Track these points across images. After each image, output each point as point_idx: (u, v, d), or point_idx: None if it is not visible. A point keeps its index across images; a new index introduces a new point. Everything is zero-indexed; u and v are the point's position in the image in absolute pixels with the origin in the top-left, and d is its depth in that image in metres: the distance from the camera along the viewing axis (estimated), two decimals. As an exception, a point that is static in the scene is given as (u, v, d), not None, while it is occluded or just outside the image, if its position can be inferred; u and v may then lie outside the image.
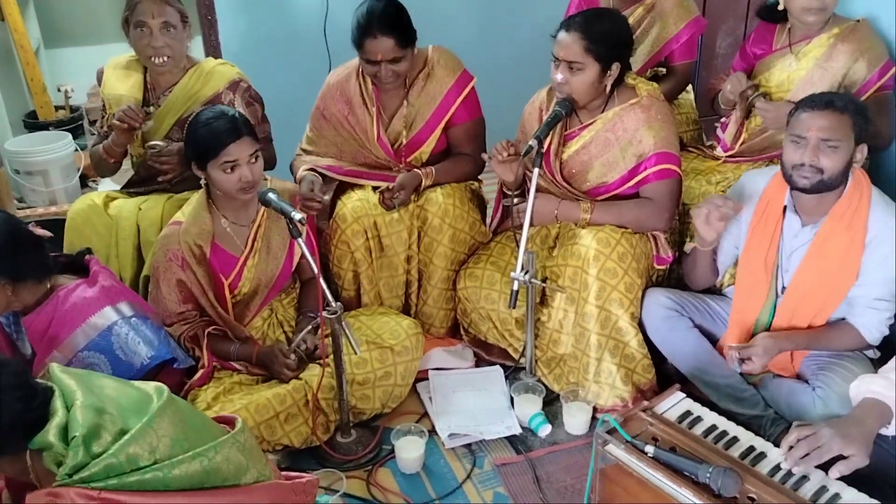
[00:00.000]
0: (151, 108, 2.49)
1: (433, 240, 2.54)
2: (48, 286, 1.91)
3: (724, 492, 1.58)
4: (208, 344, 2.21)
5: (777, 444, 1.75)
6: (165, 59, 2.41)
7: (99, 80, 2.62)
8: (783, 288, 2.14)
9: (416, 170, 2.53)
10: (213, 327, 2.25)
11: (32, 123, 4.03)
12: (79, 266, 2.02)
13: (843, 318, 2.09)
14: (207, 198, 2.23)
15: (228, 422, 1.56)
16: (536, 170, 2.21)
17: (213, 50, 3.39)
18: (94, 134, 2.57)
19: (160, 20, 2.36)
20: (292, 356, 2.18)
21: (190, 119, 2.22)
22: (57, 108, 4.15)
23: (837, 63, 2.40)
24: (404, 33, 2.39)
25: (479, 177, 2.75)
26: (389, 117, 2.58)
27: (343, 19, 3.36)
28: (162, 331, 2.11)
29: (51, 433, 1.33)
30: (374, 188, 2.55)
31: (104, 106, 2.58)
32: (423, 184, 2.52)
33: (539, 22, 3.24)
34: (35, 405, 1.36)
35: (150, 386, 1.48)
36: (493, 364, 2.57)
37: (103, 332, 1.92)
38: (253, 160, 2.13)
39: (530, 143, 2.19)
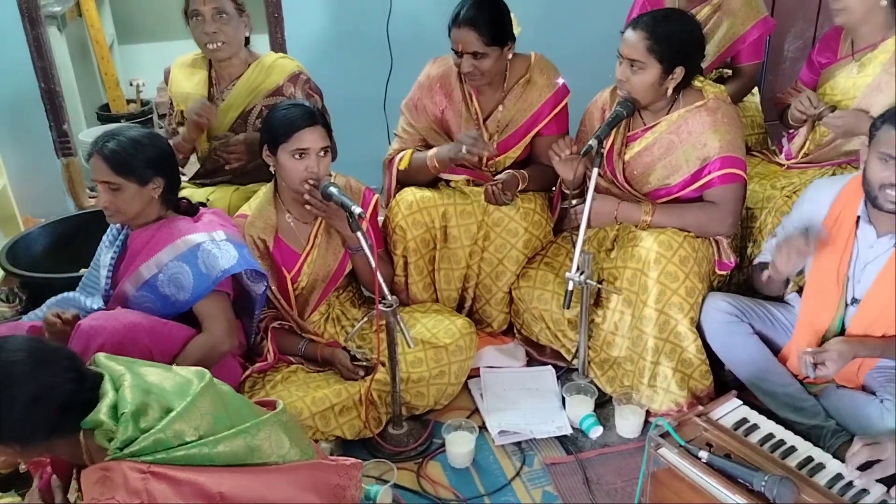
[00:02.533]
0: (214, 96, 2.57)
1: (506, 242, 2.54)
2: (164, 213, 2.13)
3: (779, 501, 1.55)
4: (273, 337, 2.26)
5: (837, 456, 1.71)
6: (219, 44, 2.48)
7: (166, 79, 2.72)
8: (853, 299, 2.08)
9: (512, 171, 2.52)
10: (279, 322, 2.30)
11: (105, 116, 4.19)
12: (194, 213, 2.18)
13: None
14: (274, 192, 2.28)
15: (269, 405, 1.63)
16: (595, 170, 2.20)
17: (278, 47, 3.47)
18: (161, 128, 2.66)
19: (212, 6, 2.44)
20: (357, 371, 2.25)
21: (254, 111, 2.31)
22: (128, 101, 4.30)
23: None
24: (489, 30, 2.36)
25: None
26: (484, 118, 2.58)
27: (406, 19, 3.43)
28: (246, 248, 2.15)
29: (102, 412, 1.41)
30: (445, 181, 2.58)
31: (171, 104, 2.67)
32: (519, 186, 2.52)
33: (603, 21, 3.23)
34: (86, 387, 1.45)
35: (192, 371, 1.56)
36: (545, 364, 2.56)
37: (192, 248, 2.05)
38: (322, 153, 2.17)
39: (590, 142, 2.18)
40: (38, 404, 1.39)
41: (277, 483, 1.48)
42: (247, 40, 2.60)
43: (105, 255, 2.20)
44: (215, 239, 2.06)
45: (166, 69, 2.72)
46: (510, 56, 2.49)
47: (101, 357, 1.54)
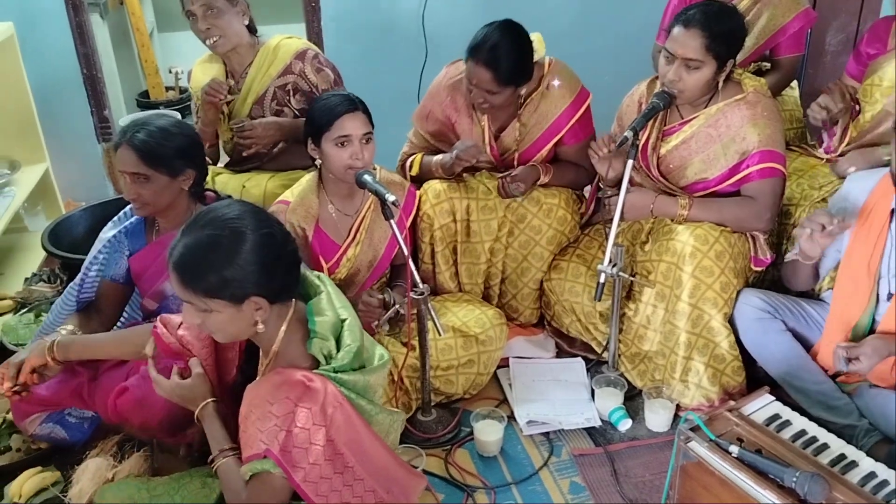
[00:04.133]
0: (233, 87, 2.61)
1: (530, 238, 2.54)
2: (193, 206, 2.10)
3: (810, 498, 1.53)
4: None
5: (870, 455, 1.69)
6: (216, 39, 2.50)
7: (189, 78, 2.77)
8: (889, 294, 2.05)
9: (535, 165, 2.51)
10: None
11: (145, 102, 4.26)
12: None
13: None
14: (318, 182, 2.29)
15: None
16: (630, 161, 2.18)
17: (314, 36, 3.50)
18: (198, 116, 2.71)
19: (200, 4, 2.46)
20: (376, 297, 2.23)
21: (268, 95, 2.43)
22: (167, 88, 4.37)
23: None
24: (507, 74, 2.30)
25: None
26: (498, 131, 2.54)
27: (441, 10, 3.44)
28: None
29: (327, 326, 1.53)
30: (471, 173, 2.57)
31: (194, 100, 2.73)
32: (539, 180, 2.51)
33: (638, 14, 3.21)
34: (299, 271, 1.59)
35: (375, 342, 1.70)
36: (575, 356, 2.56)
37: None
38: (366, 140, 2.17)
39: (626, 133, 2.17)
40: (273, 251, 1.48)
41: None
42: (252, 28, 2.61)
43: (116, 246, 2.16)
44: None
45: (190, 70, 2.78)
46: (523, 91, 2.43)
47: (324, 278, 1.65)
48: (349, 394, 1.51)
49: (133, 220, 2.16)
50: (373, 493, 1.54)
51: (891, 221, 2.01)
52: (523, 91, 2.44)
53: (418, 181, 2.57)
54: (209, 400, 1.66)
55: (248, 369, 1.69)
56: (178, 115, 3.73)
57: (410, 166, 2.59)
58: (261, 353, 1.63)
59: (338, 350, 1.54)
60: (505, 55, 2.29)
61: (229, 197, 2.24)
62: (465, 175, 2.57)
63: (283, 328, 1.53)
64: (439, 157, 2.50)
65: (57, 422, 2.08)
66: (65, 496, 1.93)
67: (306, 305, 1.59)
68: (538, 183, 2.52)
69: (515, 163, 2.56)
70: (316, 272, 1.68)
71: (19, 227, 3.26)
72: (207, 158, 2.68)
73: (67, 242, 2.84)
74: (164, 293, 2.12)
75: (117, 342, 1.92)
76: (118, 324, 2.21)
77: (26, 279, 2.91)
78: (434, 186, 2.51)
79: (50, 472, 2.00)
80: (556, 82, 2.48)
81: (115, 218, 2.20)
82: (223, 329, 1.51)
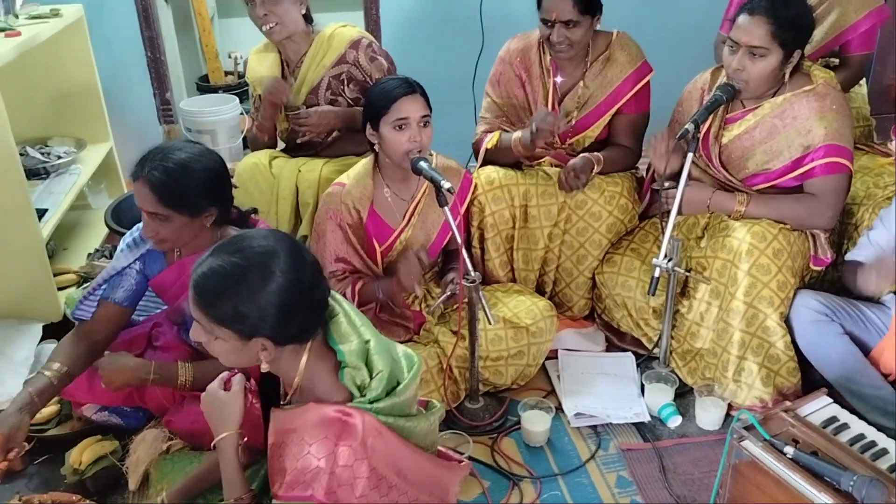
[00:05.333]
0: (292, 81, 2.63)
1: (589, 225, 2.52)
2: (217, 234, 1.98)
3: (868, 502, 1.50)
4: (358, 303, 2.27)
5: (932, 463, 1.64)
6: (272, 25, 2.51)
7: (245, 68, 2.79)
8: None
9: (586, 155, 2.50)
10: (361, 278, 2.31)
11: (204, 86, 4.34)
12: (244, 222, 2.08)
13: None
14: (374, 165, 2.30)
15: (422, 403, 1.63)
16: (690, 155, 2.15)
17: (373, 25, 3.52)
18: (255, 104, 2.75)
19: None
20: (422, 257, 2.15)
21: (322, 84, 2.42)
22: (226, 73, 4.43)
23: None
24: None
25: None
26: (563, 94, 2.57)
27: (500, 1, 3.42)
28: None
29: (355, 354, 1.45)
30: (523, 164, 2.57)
31: (252, 90, 2.76)
32: (594, 170, 2.50)
33: (695, 7, 3.15)
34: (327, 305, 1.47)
35: (397, 345, 1.58)
36: (625, 351, 2.54)
37: None
38: (423, 124, 2.17)
39: (687, 126, 2.13)
40: (297, 298, 1.38)
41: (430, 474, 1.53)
42: (308, 18, 2.62)
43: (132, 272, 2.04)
44: None
45: (238, 59, 2.80)
46: (598, 26, 2.46)
47: (337, 295, 1.53)
48: (386, 419, 1.43)
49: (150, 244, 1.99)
50: (414, 498, 1.49)
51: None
52: (590, 45, 2.49)
53: (492, 159, 2.57)
54: (233, 432, 1.51)
55: (267, 390, 1.61)
56: (237, 100, 3.82)
57: (488, 141, 2.57)
58: (281, 380, 1.55)
59: (369, 375, 1.45)
60: None
61: (255, 210, 2.13)
62: (523, 165, 2.57)
63: (304, 361, 1.43)
64: (518, 133, 2.49)
65: (113, 411, 2.14)
66: (122, 465, 1.99)
67: (326, 330, 1.49)
68: (594, 172, 2.50)
69: (570, 132, 2.56)
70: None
71: (83, 205, 3.36)
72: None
73: (129, 220, 2.90)
74: (184, 310, 2.04)
75: None
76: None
77: (89, 255, 3.00)
78: (489, 173, 2.51)
79: (109, 441, 2.06)
80: (622, 49, 2.52)
81: (131, 239, 2.06)
82: (224, 356, 1.44)
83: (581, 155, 2.50)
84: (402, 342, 2.29)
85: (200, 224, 1.89)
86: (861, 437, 1.74)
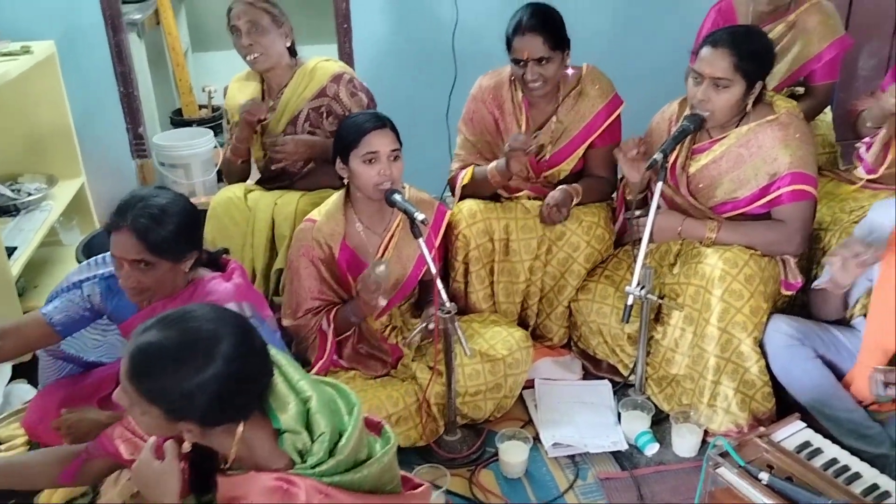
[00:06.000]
0: (272, 104, 2.65)
1: (569, 256, 2.54)
2: (189, 277, 1.93)
3: (843, 527, 1.51)
4: (334, 330, 2.26)
5: (905, 486, 1.65)
6: (256, 55, 2.54)
7: (225, 95, 2.81)
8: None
9: (565, 187, 2.52)
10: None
11: (178, 120, 4.34)
12: (216, 262, 2.04)
13: None
14: (346, 199, 2.31)
15: (375, 424, 1.56)
16: (660, 183, 2.18)
17: (346, 57, 3.54)
18: (231, 135, 2.75)
19: (246, 20, 2.51)
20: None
21: (301, 116, 2.44)
22: (200, 106, 4.45)
23: None
24: (553, 34, 2.40)
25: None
26: (536, 129, 2.60)
27: (472, 31, 3.47)
28: (276, 335, 2.08)
29: (293, 419, 1.35)
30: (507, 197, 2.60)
31: (228, 118, 2.77)
32: (574, 201, 2.53)
33: (671, 39, 3.22)
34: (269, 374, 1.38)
35: (332, 383, 1.51)
36: (601, 378, 2.54)
37: None
38: (393, 157, 2.19)
39: (655, 156, 2.17)
40: (235, 388, 1.30)
41: None
42: (292, 51, 2.65)
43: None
44: (245, 315, 1.84)
45: (226, 87, 2.83)
46: (568, 61, 2.50)
47: (275, 352, 1.44)
48: (332, 479, 1.35)
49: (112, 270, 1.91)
50: None
51: (925, 248, 1.99)
52: (561, 79, 2.52)
53: (470, 194, 2.59)
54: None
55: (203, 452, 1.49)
56: (211, 133, 3.82)
57: (463, 178, 2.60)
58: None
59: (311, 438, 1.37)
60: (548, 18, 2.42)
61: (226, 251, 2.06)
62: (502, 198, 2.59)
63: (238, 434, 1.33)
64: (493, 163, 2.52)
65: None
66: (92, 507, 1.95)
67: (263, 396, 1.39)
68: (573, 204, 2.53)
69: (545, 166, 2.59)
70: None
71: (54, 241, 3.32)
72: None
73: (101, 256, 2.88)
74: None
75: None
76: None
77: (60, 292, 2.95)
78: (469, 206, 2.53)
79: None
80: (592, 83, 2.56)
81: (86, 264, 2.01)
82: (145, 427, 1.38)
83: (560, 188, 2.52)
84: (379, 376, 2.31)
85: (181, 270, 1.86)
86: (835, 461, 1.75)
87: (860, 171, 2.55)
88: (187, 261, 1.86)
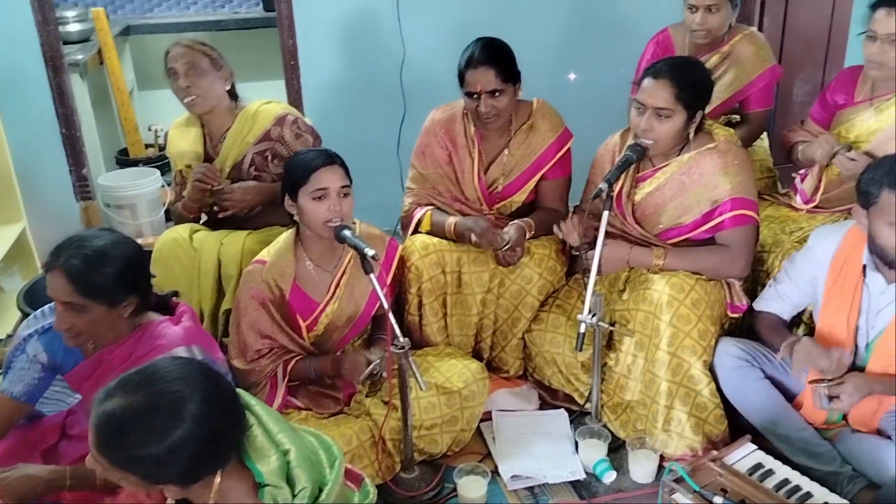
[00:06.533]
0: (215, 156, 2.62)
1: (522, 288, 2.55)
2: (137, 320, 1.87)
3: (796, 548, 1.53)
4: (287, 377, 2.24)
5: (854, 502, 1.68)
6: (195, 97, 2.51)
7: (166, 141, 2.77)
8: (866, 344, 2.08)
9: (517, 222, 2.54)
10: (293, 356, 2.28)
11: (124, 160, 4.27)
12: (164, 305, 2.00)
13: None
14: (295, 239, 2.29)
15: (356, 477, 1.53)
16: (606, 213, 2.22)
17: (295, 94, 3.54)
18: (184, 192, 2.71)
19: (183, 62, 2.48)
20: (365, 357, 2.17)
21: (246, 161, 2.43)
22: (147, 146, 4.39)
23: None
24: (505, 67, 2.44)
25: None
26: (489, 163, 2.62)
27: (419, 66, 3.50)
28: (227, 377, 1.96)
29: (275, 473, 1.32)
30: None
31: (173, 164, 2.73)
32: (527, 236, 2.54)
33: (614, 70, 3.31)
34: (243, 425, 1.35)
35: (310, 432, 1.49)
36: (558, 408, 2.55)
37: None
38: (343, 194, 2.18)
39: (600, 186, 2.21)
40: (208, 446, 1.26)
41: None
42: (233, 94, 2.62)
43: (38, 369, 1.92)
44: (196, 358, 1.83)
45: (165, 132, 2.79)
46: (520, 94, 2.54)
47: (250, 399, 1.40)
48: None
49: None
50: None
51: (864, 276, 2.05)
52: (513, 114, 2.56)
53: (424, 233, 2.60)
54: None
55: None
56: (157, 172, 3.76)
57: (419, 222, 2.60)
58: None
59: (292, 493, 1.34)
60: (500, 51, 2.46)
61: (175, 293, 2.03)
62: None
63: (216, 487, 1.30)
64: (451, 219, 2.54)
65: None
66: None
67: (241, 446, 1.36)
68: (527, 238, 2.55)
69: (497, 198, 2.62)
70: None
71: (-6, 288, 3.23)
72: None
73: (43, 302, 2.78)
74: None
75: None
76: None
77: (0, 340, 2.86)
78: (422, 240, 2.53)
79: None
80: (543, 117, 2.61)
81: (40, 311, 1.95)
82: (130, 488, 1.34)
83: (513, 224, 2.53)
84: (332, 414, 2.28)
85: (118, 315, 1.80)
86: (786, 481, 1.79)
87: (798, 202, 2.64)
88: (125, 307, 1.80)
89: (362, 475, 1.52)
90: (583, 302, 2.21)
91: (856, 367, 2.09)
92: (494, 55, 2.44)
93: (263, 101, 2.67)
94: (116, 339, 1.83)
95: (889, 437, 2.01)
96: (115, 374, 1.67)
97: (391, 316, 2.04)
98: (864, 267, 2.04)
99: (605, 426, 2.40)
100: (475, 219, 2.50)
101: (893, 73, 2.36)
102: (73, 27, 4.03)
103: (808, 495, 1.73)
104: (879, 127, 2.42)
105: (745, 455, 1.86)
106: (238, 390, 1.38)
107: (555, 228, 2.44)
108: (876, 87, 2.46)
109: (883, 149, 2.24)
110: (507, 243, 2.46)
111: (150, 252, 2.53)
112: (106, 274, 1.74)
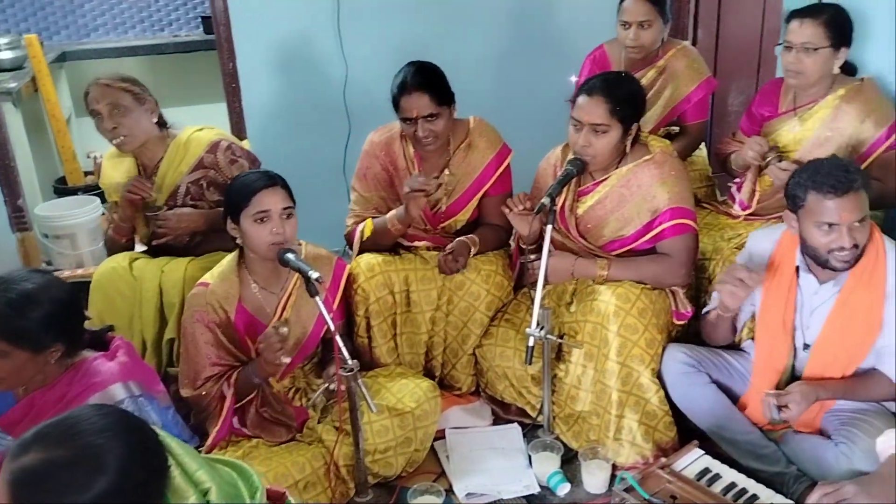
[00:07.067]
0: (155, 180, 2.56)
1: (470, 305, 2.56)
2: (68, 361, 1.82)
3: (744, 551, 1.55)
4: (235, 394, 2.18)
5: (800, 502, 1.72)
6: (123, 137, 2.45)
7: (98, 173, 2.69)
8: (805, 345, 2.14)
9: (462, 238, 2.55)
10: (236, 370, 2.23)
11: (62, 189, 4.16)
12: (100, 341, 1.96)
13: (874, 368, 2.08)
14: (239, 261, 2.25)
15: (278, 496, 1.50)
16: (549, 227, 2.24)
17: (236, 117, 3.50)
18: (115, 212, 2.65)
19: (105, 102, 2.41)
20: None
21: (180, 190, 2.37)
22: (86, 173, 4.28)
23: (844, 124, 2.44)
24: (439, 91, 2.46)
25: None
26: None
27: (362, 85, 3.50)
28: (169, 411, 2.01)
29: None
30: (403, 248, 2.61)
31: (107, 196, 2.67)
32: (471, 251, 2.55)
33: (552, 86, 3.36)
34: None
35: (231, 463, 1.45)
36: (511, 422, 2.55)
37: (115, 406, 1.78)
38: (286, 216, 2.15)
39: (543, 200, 2.23)
40: (132, 497, 1.19)
41: None
42: (161, 123, 2.57)
43: None
44: (134, 395, 1.83)
45: (97, 163, 2.72)
46: (455, 114, 2.56)
47: (170, 441, 1.35)
48: None
49: None
50: None
51: (797, 276, 2.11)
52: (451, 134, 2.56)
53: (370, 246, 2.57)
54: None
55: None
56: (97, 200, 3.67)
57: (362, 233, 2.58)
58: None
59: None
60: (432, 75, 2.49)
61: (110, 328, 2.00)
62: (401, 250, 2.60)
63: None
64: (392, 212, 2.52)
65: None
66: None
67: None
68: (470, 254, 2.56)
69: (441, 218, 2.63)
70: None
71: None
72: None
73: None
74: None
75: None
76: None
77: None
78: (368, 260, 2.52)
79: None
80: (480, 135, 2.62)
81: None
82: None
83: (457, 239, 2.55)
84: (283, 442, 2.24)
85: (45, 360, 1.75)
86: (733, 485, 1.82)
87: (736, 209, 2.71)
88: (52, 353, 1.75)
89: (285, 493, 1.48)
90: (531, 315, 2.23)
91: (795, 369, 2.15)
92: (428, 79, 2.46)
93: (196, 127, 2.62)
94: (47, 381, 1.77)
95: (830, 437, 2.07)
96: (48, 416, 1.61)
97: (338, 338, 2.02)
98: (798, 269, 2.10)
99: (557, 438, 2.41)
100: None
101: (812, 82, 2.45)
102: (5, 55, 3.94)
103: (755, 497, 1.77)
104: (804, 136, 2.51)
105: (693, 461, 1.89)
106: (159, 431, 1.33)
107: (503, 209, 2.42)
108: (798, 97, 2.55)
109: (809, 156, 2.32)
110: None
111: (87, 290, 2.47)
112: (31, 319, 1.69)
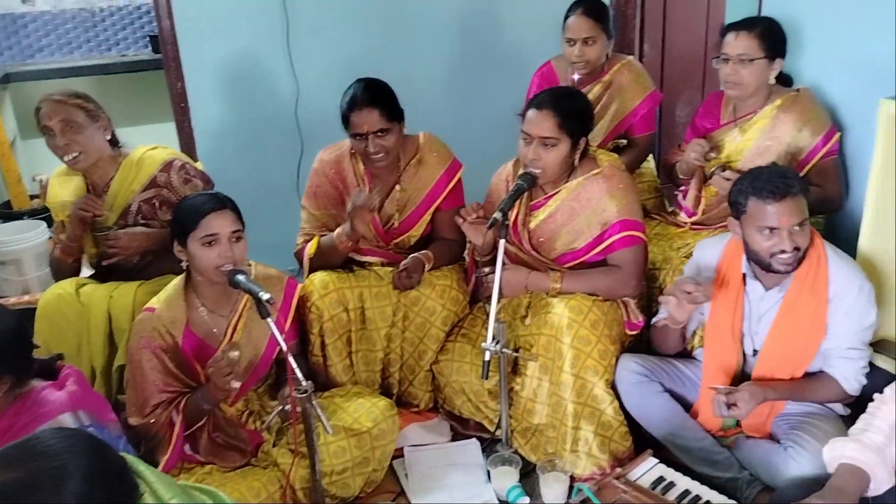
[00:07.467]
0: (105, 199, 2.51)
1: (426, 320, 2.56)
2: (18, 392, 1.77)
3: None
4: (184, 420, 2.14)
5: (751, 507, 1.75)
6: (75, 155, 2.41)
7: (44, 193, 2.63)
8: (754, 351, 2.18)
9: (416, 255, 2.56)
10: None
11: (7, 213, 4.06)
12: (49, 369, 1.90)
13: (821, 371, 2.13)
14: (186, 285, 2.22)
15: None
16: (502, 241, 2.25)
17: (186, 137, 3.47)
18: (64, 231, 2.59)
19: (58, 119, 2.37)
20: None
21: (132, 210, 2.34)
22: (32, 197, 4.19)
23: (782, 133, 2.51)
24: (388, 106, 2.47)
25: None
26: (381, 200, 2.61)
27: (314, 102, 3.49)
28: (121, 441, 1.96)
29: None
30: (356, 264, 2.60)
31: (54, 215, 2.61)
32: (426, 267, 2.55)
33: (502, 100, 3.40)
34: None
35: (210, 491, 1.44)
36: (470, 437, 2.55)
37: None
38: (235, 239, 2.12)
39: (495, 215, 2.24)
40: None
41: None
42: (114, 141, 2.53)
43: None
44: (83, 424, 1.78)
45: (44, 183, 2.66)
46: (405, 130, 2.57)
47: (139, 466, 1.33)
48: None
49: None
50: None
51: (744, 285, 2.16)
52: (393, 141, 2.53)
53: (320, 265, 2.55)
54: None
55: None
56: (44, 224, 3.59)
57: (308, 249, 2.57)
58: None
59: None
60: (381, 90, 2.50)
61: (60, 356, 1.96)
62: (354, 267, 2.59)
63: None
64: (339, 228, 2.52)
65: None
66: None
67: None
68: (425, 270, 2.56)
69: (394, 234, 2.62)
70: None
71: None
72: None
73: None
74: None
75: None
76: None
77: None
78: (321, 277, 2.50)
79: None
80: (430, 150, 2.63)
81: None
82: None
83: (411, 255, 2.55)
84: (238, 467, 2.20)
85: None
86: (687, 492, 1.84)
87: (682, 217, 2.76)
88: (0, 385, 1.70)
89: None
90: (487, 330, 2.23)
91: (746, 375, 2.19)
92: (377, 95, 2.47)
93: (148, 146, 2.58)
94: None
95: (779, 442, 2.11)
96: None
97: (292, 359, 2.00)
98: (745, 276, 2.15)
99: (516, 452, 2.42)
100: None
101: (749, 92, 2.52)
102: (-55, 77, 3.84)
103: (709, 503, 1.79)
104: (745, 146, 2.57)
105: (647, 469, 1.91)
106: (127, 456, 1.31)
107: (456, 219, 2.43)
108: (738, 108, 2.62)
109: (751, 164, 2.38)
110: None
111: (34, 317, 2.41)
112: None
